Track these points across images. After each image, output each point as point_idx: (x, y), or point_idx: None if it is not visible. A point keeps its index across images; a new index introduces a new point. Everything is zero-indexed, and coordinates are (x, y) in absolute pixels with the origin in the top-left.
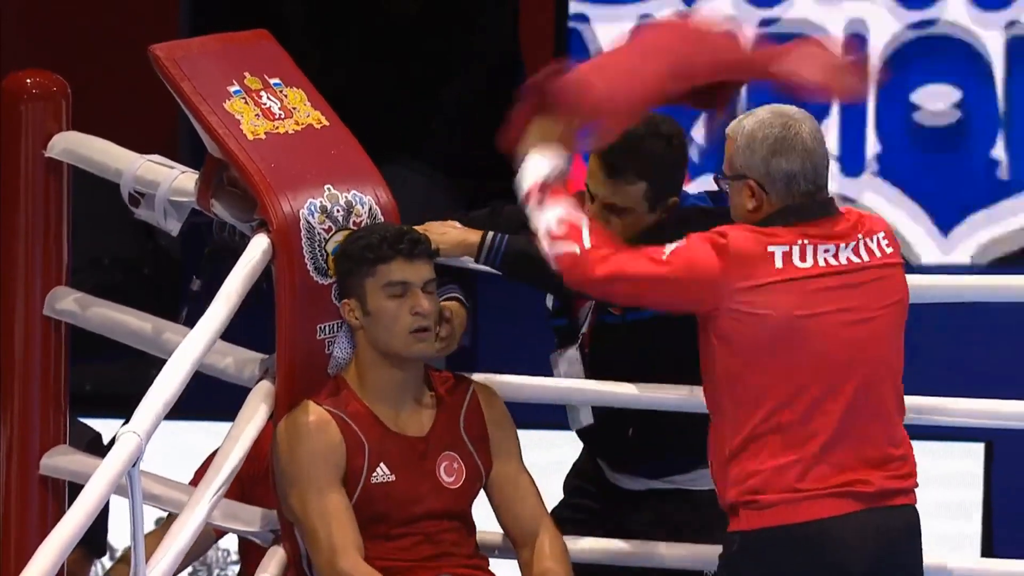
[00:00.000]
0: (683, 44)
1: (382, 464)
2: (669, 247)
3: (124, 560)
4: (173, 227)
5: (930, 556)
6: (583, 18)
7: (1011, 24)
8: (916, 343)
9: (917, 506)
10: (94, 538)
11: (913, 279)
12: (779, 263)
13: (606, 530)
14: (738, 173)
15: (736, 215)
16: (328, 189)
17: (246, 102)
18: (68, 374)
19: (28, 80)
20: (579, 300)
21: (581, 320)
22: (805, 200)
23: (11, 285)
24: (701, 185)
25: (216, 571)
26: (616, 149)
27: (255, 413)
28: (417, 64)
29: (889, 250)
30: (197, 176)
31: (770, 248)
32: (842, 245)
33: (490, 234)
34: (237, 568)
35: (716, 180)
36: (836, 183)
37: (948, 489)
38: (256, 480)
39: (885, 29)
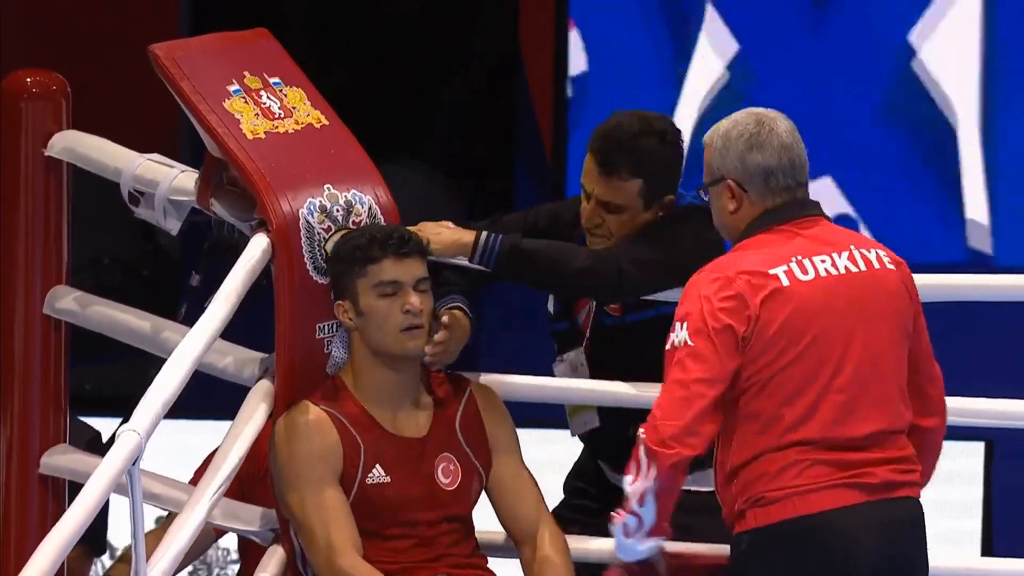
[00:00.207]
0: None
1: (378, 465)
2: (676, 340)
3: (124, 559)
4: (173, 226)
5: (930, 555)
6: (583, 18)
7: None
8: None
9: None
10: (94, 536)
11: (913, 279)
12: (785, 281)
13: (606, 531)
14: (716, 176)
15: (719, 221)
16: (328, 189)
17: (246, 101)
18: (68, 373)
19: (28, 79)
20: (579, 302)
21: (582, 322)
22: (786, 199)
23: (11, 284)
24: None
25: (216, 570)
26: (611, 146)
27: (255, 412)
28: (417, 64)
29: (891, 265)
30: (197, 175)
31: (771, 271)
32: (835, 255)
33: (484, 234)
34: (237, 567)
35: (698, 192)
36: None
37: (948, 488)
38: (256, 479)
39: None
